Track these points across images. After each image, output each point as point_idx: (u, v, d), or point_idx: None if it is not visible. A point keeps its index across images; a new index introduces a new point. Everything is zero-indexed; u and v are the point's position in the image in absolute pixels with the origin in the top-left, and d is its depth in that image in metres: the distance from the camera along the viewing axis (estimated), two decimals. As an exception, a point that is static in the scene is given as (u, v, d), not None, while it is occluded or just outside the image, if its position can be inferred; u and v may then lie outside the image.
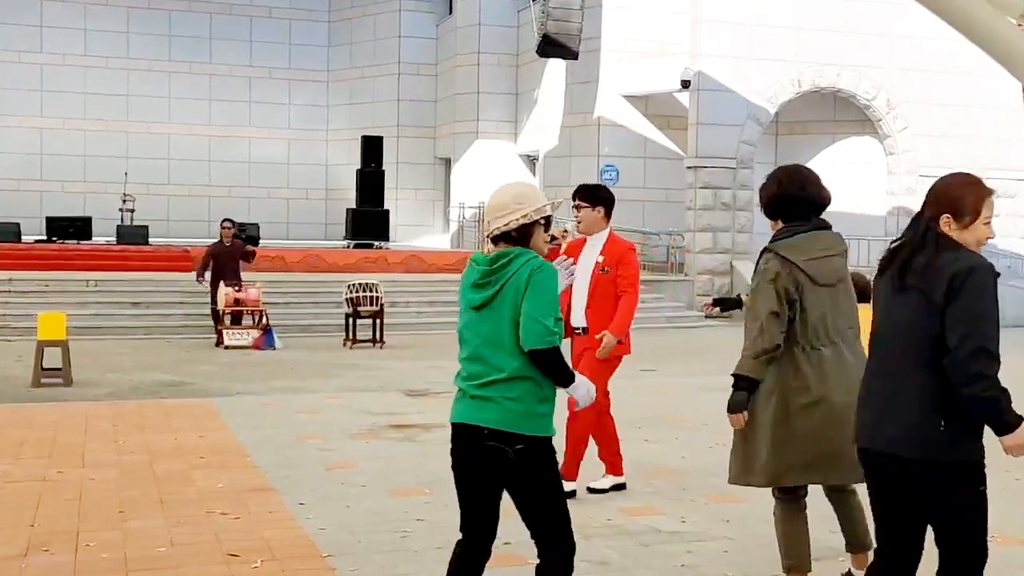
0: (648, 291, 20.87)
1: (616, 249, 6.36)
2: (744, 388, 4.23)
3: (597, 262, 6.27)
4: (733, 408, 4.27)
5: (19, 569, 4.86)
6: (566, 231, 6.16)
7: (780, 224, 4.32)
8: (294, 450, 7.72)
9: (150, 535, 5.41)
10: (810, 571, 4.43)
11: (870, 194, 22.92)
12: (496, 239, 3.59)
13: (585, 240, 6.40)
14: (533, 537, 3.58)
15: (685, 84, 21.79)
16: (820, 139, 24.21)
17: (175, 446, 7.79)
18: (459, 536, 3.71)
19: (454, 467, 3.65)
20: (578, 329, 6.37)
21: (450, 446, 3.67)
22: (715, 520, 5.83)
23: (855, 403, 3.52)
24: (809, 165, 22.52)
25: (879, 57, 22.19)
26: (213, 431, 8.42)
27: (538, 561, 3.59)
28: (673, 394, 11.12)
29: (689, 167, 21.97)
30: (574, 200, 6.39)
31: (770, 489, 4.44)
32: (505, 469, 3.51)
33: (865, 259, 21.24)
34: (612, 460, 6.59)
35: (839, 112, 23.73)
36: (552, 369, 3.51)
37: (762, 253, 4.32)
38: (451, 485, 6.59)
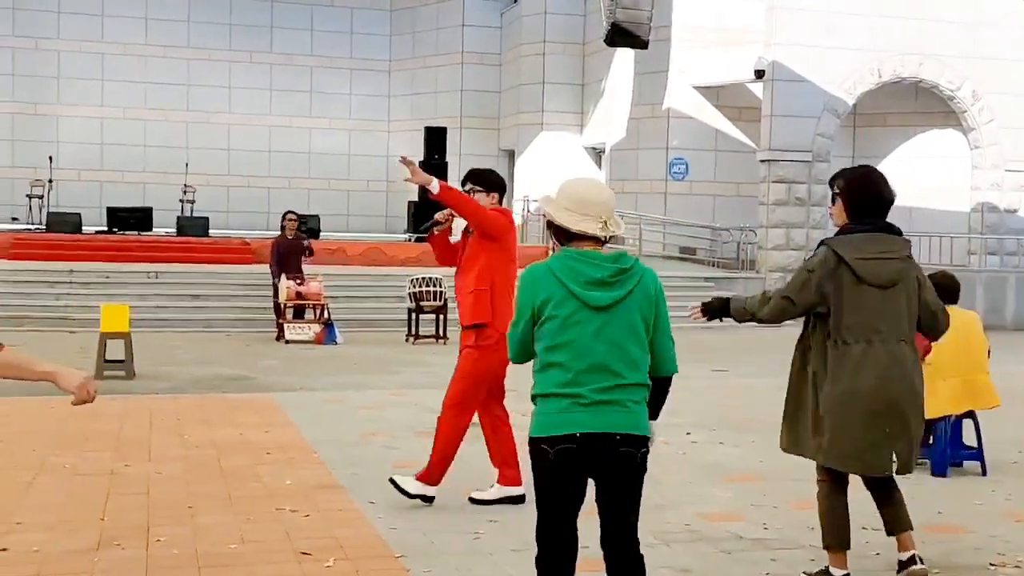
0: (718, 288, 20.28)
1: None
2: (720, 307, 4.73)
3: (464, 233, 5.92)
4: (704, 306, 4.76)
5: (92, 563, 4.79)
6: (452, 214, 5.83)
7: (850, 222, 4.54)
8: (360, 448, 7.59)
9: (220, 531, 5.31)
10: (849, 549, 4.60)
11: (952, 189, 22.04)
12: (585, 238, 3.44)
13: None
14: (614, 539, 3.51)
15: (759, 74, 21.07)
16: (900, 131, 23.35)
17: (240, 441, 7.63)
18: (533, 540, 3.54)
19: (563, 479, 3.44)
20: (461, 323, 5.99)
21: (553, 459, 3.40)
22: (800, 527, 5.52)
23: (886, 400, 4.30)
24: (889, 158, 21.73)
25: (964, 46, 21.30)
26: (278, 427, 8.26)
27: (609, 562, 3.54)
28: (746, 395, 10.77)
29: (762, 160, 21.24)
30: (464, 186, 5.92)
31: (815, 475, 4.68)
32: (631, 473, 3.45)
33: (948, 257, 20.48)
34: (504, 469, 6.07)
35: (921, 103, 22.84)
36: (665, 396, 3.59)
37: (818, 246, 4.57)
38: (524, 485, 6.24)
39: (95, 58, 29.07)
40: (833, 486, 4.58)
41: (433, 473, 5.88)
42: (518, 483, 5.94)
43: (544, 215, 3.50)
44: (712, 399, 9.92)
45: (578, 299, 3.35)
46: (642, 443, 3.42)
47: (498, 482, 6.01)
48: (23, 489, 6.09)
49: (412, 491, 5.83)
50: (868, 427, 4.39)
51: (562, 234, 3.47)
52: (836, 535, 4.57)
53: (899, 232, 4.55)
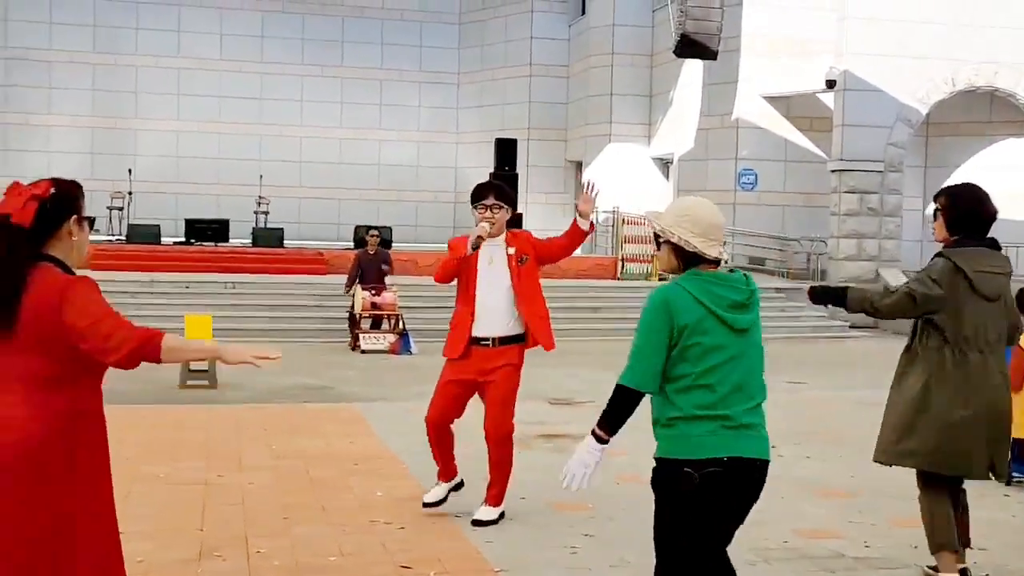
0: (789, 299, 20.15)
1: (520, 237, 5.91)
2: (833, 293, 4.92)
3: (508, 255, 5.78)
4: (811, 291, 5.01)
5: (195, 574, 4.90)
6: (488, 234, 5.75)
7: (953, 237, 4.68)
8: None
9: (318, 543, 5.36)
10: (958, 551, 4.66)
11: (1026, 199, 21.65)
12: (701, 261, 3.40)
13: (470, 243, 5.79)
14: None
15: (830, 84, 20.93)
16: (973, 141, 22.99)
17: (327, 452, 7.73)
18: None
19: (709, 504, 3.33)
20: (487, 340, 5.80)
21: (699, 483, 3.31)
22: (902, 546, 5.43)
23: (995, 408, 4.55)
24: (962, 168, 21.33)
25: (1041, 54, 20.95)
26: (362, 437, 8.36)
27: None
28: (826, 408, 10.65)
29: (833, 170, 21.09)
30: (486, 199, 5.78)
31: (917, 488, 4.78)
32: (755, 498, 3.47)
33: (1020, 267, 20.10)
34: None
35: (995, 112, 22.51)
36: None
37: (934, 256, 4.69)
38: (615, 500, 6.36)
39: (172, 73, 29.74)
40: (937, 488, 4.70)
41: (502, 495, 5.93)
42: (455, 473, 6.08)
43: (663, 234, 3.40)
44: (793, 412, 9.79)
45: (724, 323, 3.32)
46: (766, 470, 3.45)
47: (442, 479, 6.04)
48: (121, 499, 6.00)
49: (494, 516, 5.87)
50: (977, 434, 4.58)
51: (690, 259, 3.40)
52: (947, 535, 4.64)
53: (1000, 248, 4.73)
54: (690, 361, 3.32)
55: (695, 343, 3.30)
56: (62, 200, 3.10)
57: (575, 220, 5.92)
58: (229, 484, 6.62)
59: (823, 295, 4.93)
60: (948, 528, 4.65)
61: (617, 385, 3.39)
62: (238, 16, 30.07)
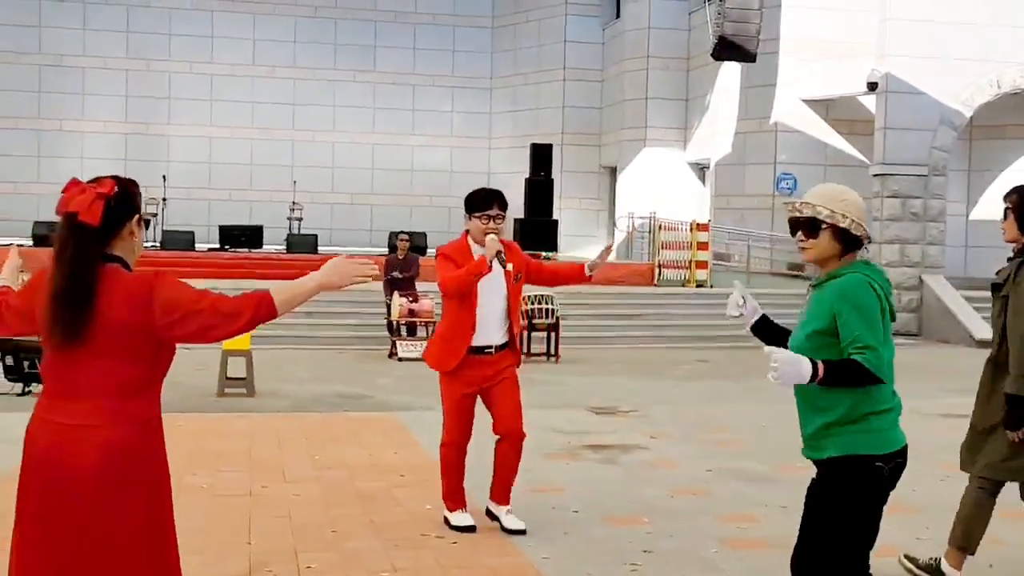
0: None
1: (514, 251, 5.73)
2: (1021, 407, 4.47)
3: (507, 272, 5.61)
4: (1015, 426, 4.53)
5: None
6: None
7: (1016, 236, 4.52)
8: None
9: (369, 558, 5.23)
10: (973, 555, 4.82)
11: (1074, 203, 21.20)
12: (859, 246, 3.44)
13: (469, 247, 5.65)
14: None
15: (872, 87, 20.55)
16: (1019, 144, 22.57)
17: (371, 462, 7.59)
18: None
19: (885, 499, 3.45)
20: (490, 348, 5.69)
21: (887, 476, 3.42)
22: (978, 570, 5.18)
23: None
24: (1006, 172, 20.95)
25: (1087, 55, 20.51)
26: (406, 447, 8.21)
27: None
28: None
29: (875, 175, 20.70)
30: (491, 210, 5.58)
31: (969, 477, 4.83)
32: None
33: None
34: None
35: (1041, 115, 22.10)
36: None
37: (1021, 265, 4.43)
38: (672, 514, 6.13)
39: (204, 79, 29.74)
40: (990, 494, 4.73)
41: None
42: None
43: (831, 219, 3.32)
44: None
45: (891, 312, 3.36)
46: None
47: (461, 507, 5.88)
48: (167, 511, 6.13)
49: (461, 524, 5.75)
50: None
51: (854, 245, 3.38)
52: (975, 540, 4.77)
53: None
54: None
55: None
56: (126, 198, 2.99)
57: (584, 265, 5.87)
58: (274, 495, 6.49)
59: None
60: (981, 534, 4.77)
61: (854, 362, 3.22)
62: (271, 21, 30.05)
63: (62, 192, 2.95)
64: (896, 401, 3.40)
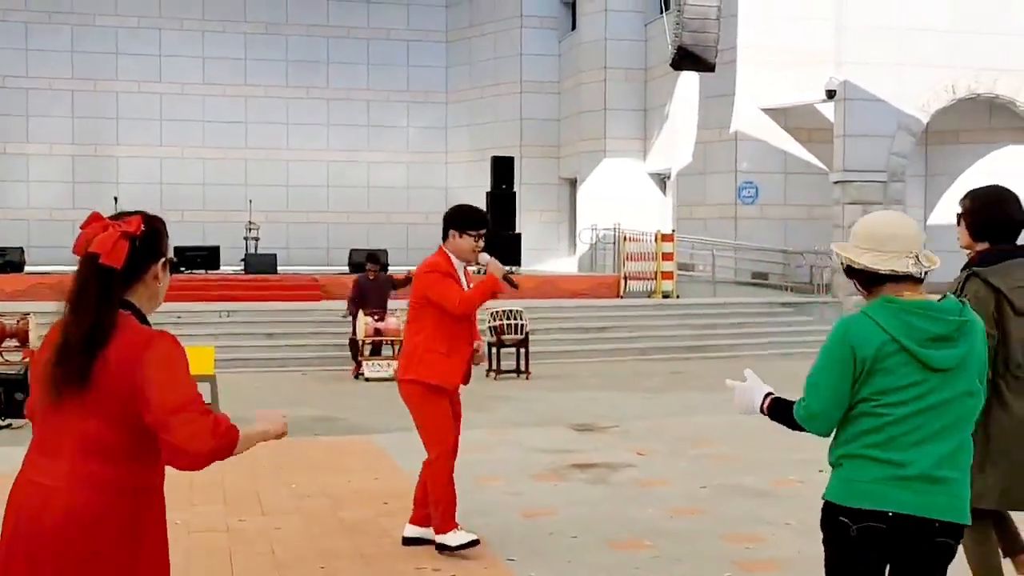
0: (795, 314, 19.77)
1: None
2: None
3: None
4: None
5: None
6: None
7: (983, 245, 4.18)
8: (480, 494, 7.15)
9: None
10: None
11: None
12: (900, 280, 2.94)
13: (452, 264, 5.72)
14: None
15: (830, 94, 20.59)
16: (973, 148, 22.72)
17: (352, 490, 7.27)
18: None
19: (858, 563, 2.94)
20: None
21: (854, 536, 2.93)
22: None
23: None
24: (962, 177, 21.00)
25: (1041, 60, 20.70)
26: (387, 472, 7.90)
27: None
28: None
29: (835, 182, 20.73)
30: (482, 229, 5.69)
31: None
32: (941, 567, 2.96)
33: None
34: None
35: (994, 119, 22.25)
36: None
37: (967, 278, 4.12)
38: (675, 537, 5.89)
39: (153, 98, 29.15)
40: (987, 525, 4.28)
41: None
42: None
43: (842, 261, 3.02)
44: (797, 436, 9.43)
45: (918, 360, 2.86)
46: (961, 534, 2.96)
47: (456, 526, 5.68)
48: (140, 548, 5.76)
49: (465, 540, 5.54)
50: None
51: (869, 280, 2.98)
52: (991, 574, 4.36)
53: None
54: (868, 398, 2.91)
55: (876, 379, 2.89)
56: (153, 239, 2.69)
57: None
58: (253, 529, 6.15)
59: None
60: (994, 569, 4.32)
61: (789, 405, 3.08)
62: (220, 38, 29.53)
63: (81, 228, 2.63)
64: (907, 457, 2.87)
